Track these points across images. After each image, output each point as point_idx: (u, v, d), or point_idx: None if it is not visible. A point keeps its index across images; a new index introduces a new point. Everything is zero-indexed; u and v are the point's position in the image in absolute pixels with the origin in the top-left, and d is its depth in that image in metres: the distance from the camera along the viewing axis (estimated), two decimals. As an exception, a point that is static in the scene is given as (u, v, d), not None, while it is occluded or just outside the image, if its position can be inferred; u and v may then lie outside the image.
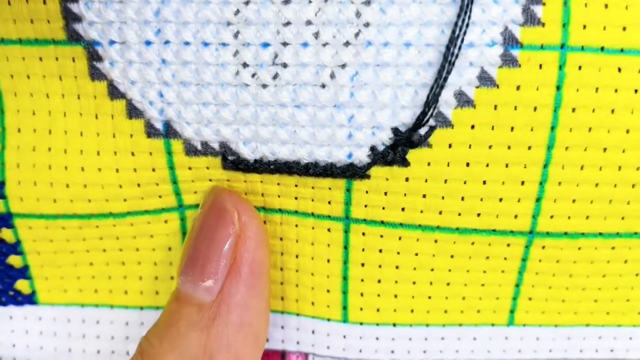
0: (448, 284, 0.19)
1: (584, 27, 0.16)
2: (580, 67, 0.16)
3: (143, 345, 0.18)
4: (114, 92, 0.17)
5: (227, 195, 0.18)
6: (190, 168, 0.18)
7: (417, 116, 0.17)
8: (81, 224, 0.19)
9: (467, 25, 0.16)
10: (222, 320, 0.17)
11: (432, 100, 0.16)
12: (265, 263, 0.18)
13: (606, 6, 0.16)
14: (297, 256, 0.20)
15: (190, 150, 0.18)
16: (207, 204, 0.18)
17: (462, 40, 0.16)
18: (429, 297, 0.20)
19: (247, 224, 0.18)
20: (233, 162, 0.18)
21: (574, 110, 0.17)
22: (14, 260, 0.20)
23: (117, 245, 0.20)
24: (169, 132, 0.18)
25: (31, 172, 0.19)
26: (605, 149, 0.17)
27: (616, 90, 0.16)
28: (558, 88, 0.16)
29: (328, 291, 0.20)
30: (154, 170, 0.18)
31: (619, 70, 0.16)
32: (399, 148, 0.17)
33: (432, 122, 0.17)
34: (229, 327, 0.17)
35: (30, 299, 0.21)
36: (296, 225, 0.19)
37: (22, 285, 0.21)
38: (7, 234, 0.20)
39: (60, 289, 0.21)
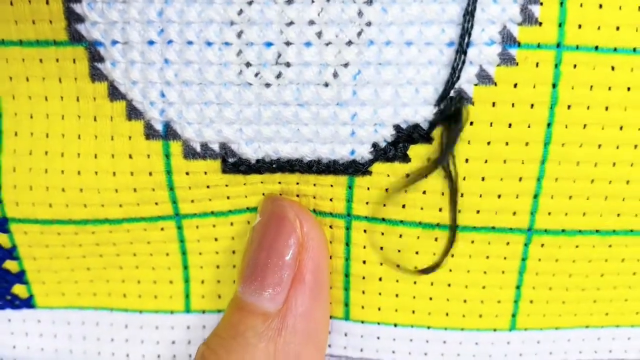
0: (449, 285, 0.19)
1: (579, 26, 0.16)
2: (575, 66, 0.17)
3: (206, 355, 0.17)
4: (114, 93, 0.17)
5: (287, 203, 0.18)
6: (187, 173, 0.18)
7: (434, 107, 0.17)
8: (77, 229, 0.19)
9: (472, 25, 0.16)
10: (289, 331, 0.17)
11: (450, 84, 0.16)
12: (327, 270, 0.18)
13: (600, 6, 0.16)
14: None
15: (189, 152, 0.18)
16: (266, 212, 0.18)
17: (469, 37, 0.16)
18: (430, 298, 0.19)
19: (309, 233, 0.18)
20: (234, 164, 0.18)
21: (569, 107, 0.17)
22: (10, 265, 0.20)
23: (113, 250, 0.20)
24: (169, 133, 0.18)
25: (27, 176, 0.18)
26: (599, 146, 0.17)
27: (610, 88, 0.17)
28: (554, 86, 0.17)
29: (330, 288, 0.20)
30: (150, 174, 0.18)
31: (613, 68, 0.17)
32: (400, 144, 0.17)
33: (433, 118, 0.17)
34: (296, 337, 0.17)
35: (28, 303, 0.21)
36: None
37: (19, 289, 0.20)
38: (2, 239, 0.19)
39: (58, 292, 0.20)
